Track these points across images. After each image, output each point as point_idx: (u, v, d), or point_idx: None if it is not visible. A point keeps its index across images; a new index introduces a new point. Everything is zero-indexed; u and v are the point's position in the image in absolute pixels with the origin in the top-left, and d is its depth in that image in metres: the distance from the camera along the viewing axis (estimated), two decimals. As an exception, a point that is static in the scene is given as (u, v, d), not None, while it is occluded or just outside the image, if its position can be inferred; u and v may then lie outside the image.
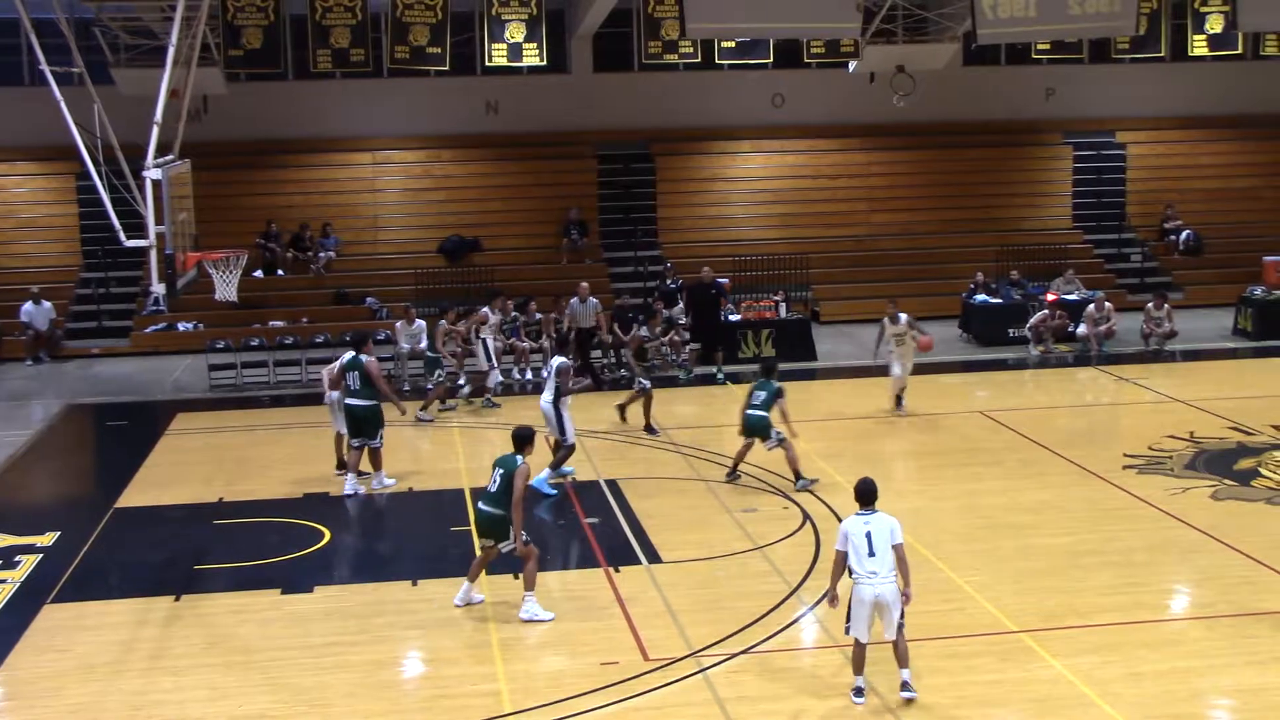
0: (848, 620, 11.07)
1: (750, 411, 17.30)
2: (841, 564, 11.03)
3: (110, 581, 14.63)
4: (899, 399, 21.56)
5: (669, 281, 27.51)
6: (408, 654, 12.63)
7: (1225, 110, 34.24)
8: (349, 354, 17.57)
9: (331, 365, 18.35)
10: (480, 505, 13.45)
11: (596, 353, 24.40)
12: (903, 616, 10.97)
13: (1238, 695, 11.22)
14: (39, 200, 31.15)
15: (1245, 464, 17.97)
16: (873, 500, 11.15)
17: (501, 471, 13.26)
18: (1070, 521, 15.80)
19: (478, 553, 13.43)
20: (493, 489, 13.26)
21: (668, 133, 32.85)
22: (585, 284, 24.56)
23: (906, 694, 10.93)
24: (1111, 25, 29.44)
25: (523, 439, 13.47)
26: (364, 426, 17.39)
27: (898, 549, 10.93)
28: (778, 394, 17.29)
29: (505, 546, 13.20)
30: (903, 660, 11.00)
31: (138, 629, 13.18)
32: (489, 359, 23.02)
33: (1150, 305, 26.40)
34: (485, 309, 23.91)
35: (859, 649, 11.07)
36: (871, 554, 10.86)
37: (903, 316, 21.46)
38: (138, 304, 28.98)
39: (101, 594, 14.16)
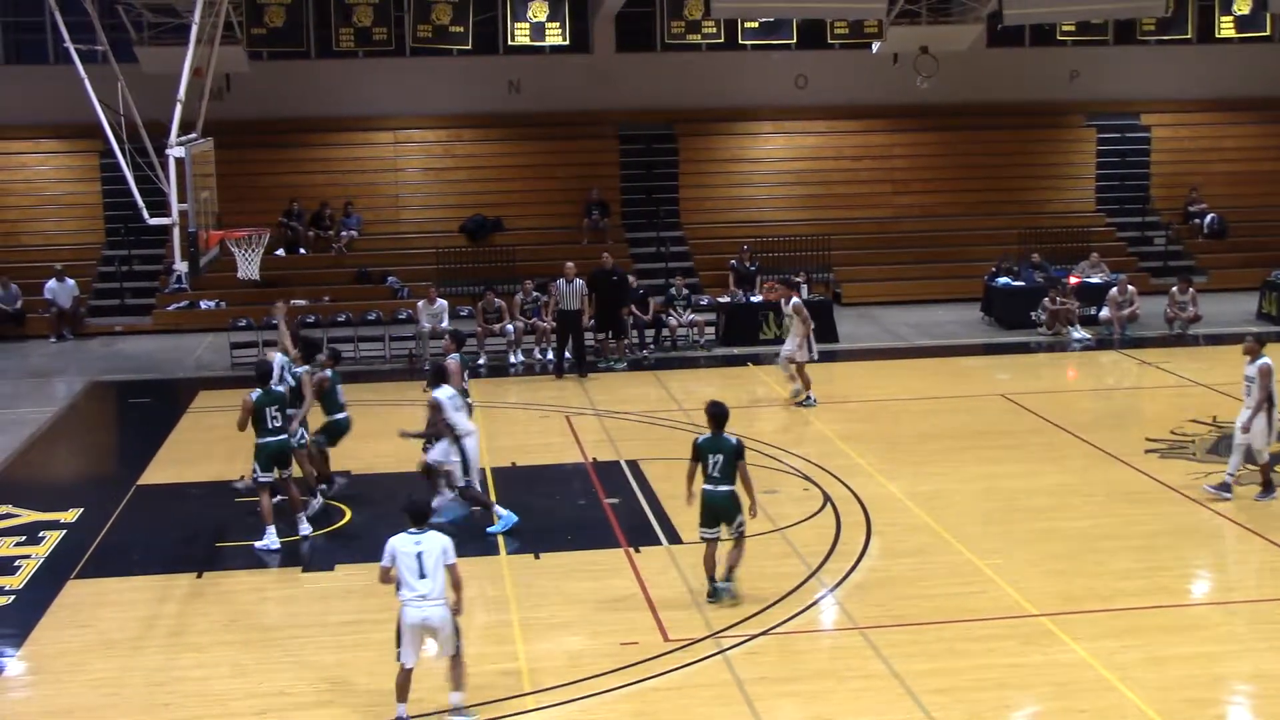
0: (399, 645, 10.51)
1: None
2: (390, 581, 10.49)
3: (133, 558, 14.69)
4: (1269, 482, 15.59)
5: (747, 264, 27.50)
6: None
7: (1252, 93, 33.97)
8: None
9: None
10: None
11: (588, 335, 24.15)
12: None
13: (1259, 681, 11.19)
14: (62, 178, 31.22)
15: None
16: (424, 519, 10.59)
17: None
18: (1091, 505, 15.75)
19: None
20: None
21: (690, 113, 32.76)
22: (571, 264, 23.99)
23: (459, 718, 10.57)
24: (1139, 6, 29.36)
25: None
26: None
27: (452, 569, 10.42)
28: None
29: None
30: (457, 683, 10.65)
31: (160, 605, 13.26)
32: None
33: (1175, 290, 26.25)
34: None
35: (404, 674, 10.52)
36: (422, 575, 10.34)
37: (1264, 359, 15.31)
38: (160, 282, 29.06)
39: (124, 570, 14.24)
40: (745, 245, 28.09)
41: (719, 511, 12.74)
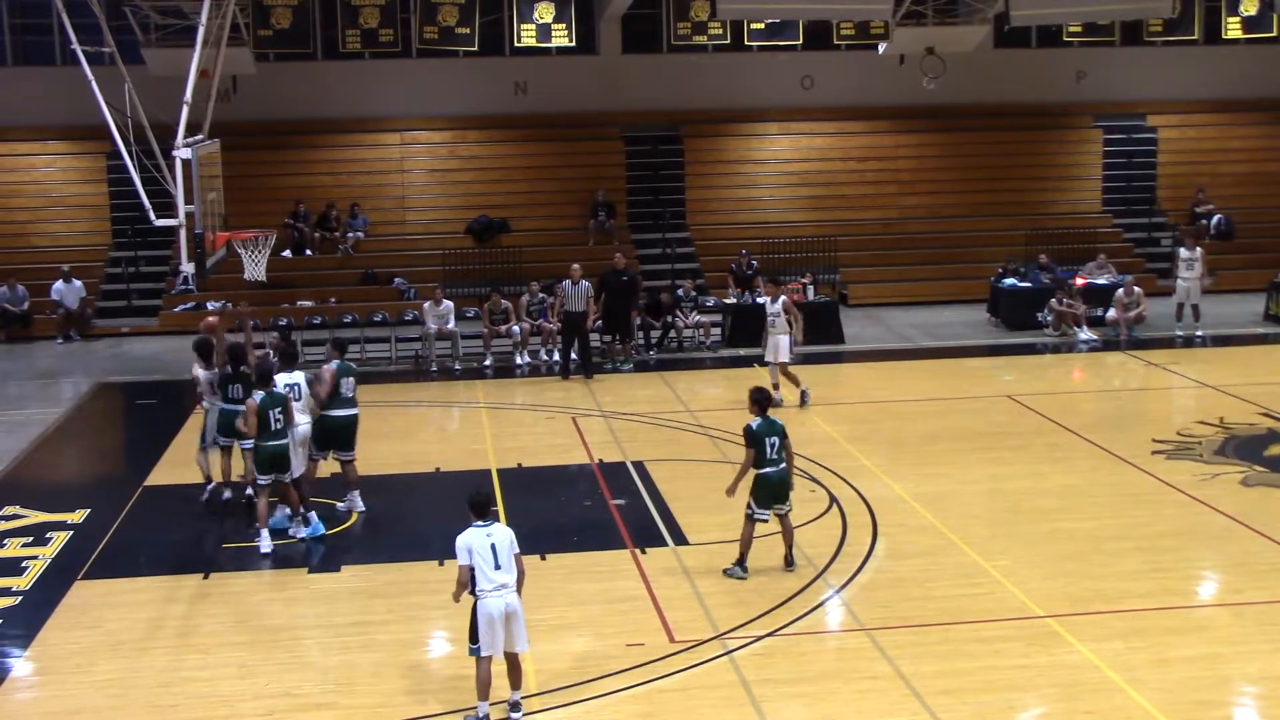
0: (474, 641, 10.50)
1: None
2: (469, 578, 10.46)
3: (139, 559, 14.70)
4: None
5: (745, 268, 27.54)
6: (434, 634, 12.68)
7: (1258, 93, 33.93)
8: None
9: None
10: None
11: (594, 337, 24.10)
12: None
13: (1265, 683, 11.18)
14: (70, 179, 31.28)
15: (1276, 450, 17.87)
16: (488, 511, 10.70)
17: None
18: (1097, 507, 15.74)
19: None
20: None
21: (696, 114, 32.76)
22: (577, 266, 23.88)
23: (516, 714, 10.63)
24: (1146, 7, 29.34)
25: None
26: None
27: (518, 559, 10.59)
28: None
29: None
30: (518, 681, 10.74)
31: (166, 606, 13.28)
32: None
33: (1182, 249, 26.23)
34: None
35: (486, 669, 10.52)
36: (498, 566, 10.44)
37: None
38: (167, 283, 29.08)
39: (131, 571, 14.26)
40: (743, 250, 28.12)
41: (780, 490, 13.43)
